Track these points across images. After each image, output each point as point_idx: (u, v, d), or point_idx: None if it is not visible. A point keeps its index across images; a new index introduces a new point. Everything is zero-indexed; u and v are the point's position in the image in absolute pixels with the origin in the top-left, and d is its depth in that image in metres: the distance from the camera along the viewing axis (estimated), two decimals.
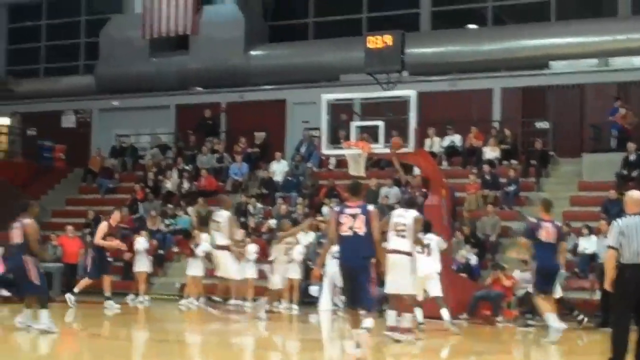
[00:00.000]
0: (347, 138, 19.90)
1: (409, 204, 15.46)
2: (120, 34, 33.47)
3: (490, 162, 25.64)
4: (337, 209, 12.36)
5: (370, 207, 12.13)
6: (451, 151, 26.98)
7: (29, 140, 34.33)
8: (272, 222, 25.44)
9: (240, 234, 18.94)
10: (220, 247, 18.85)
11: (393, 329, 14.59)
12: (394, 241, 14.64)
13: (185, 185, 28.80)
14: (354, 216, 11.89)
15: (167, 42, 33.17)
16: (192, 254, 22.92)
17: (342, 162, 24.51)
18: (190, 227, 26.19)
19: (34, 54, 36.96)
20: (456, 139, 27.13)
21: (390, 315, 14.71)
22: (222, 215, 18.85)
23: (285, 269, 19.62)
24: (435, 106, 27.32)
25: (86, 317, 20.52)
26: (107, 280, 20.98)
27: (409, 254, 14.62)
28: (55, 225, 27.67)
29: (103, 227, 20.73)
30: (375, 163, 25.84)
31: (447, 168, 26.03)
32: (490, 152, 26.16)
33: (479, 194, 24.73)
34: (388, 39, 20.11)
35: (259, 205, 26.72)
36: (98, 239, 20.73)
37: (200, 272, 22.79)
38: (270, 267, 19.55)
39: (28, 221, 14.73)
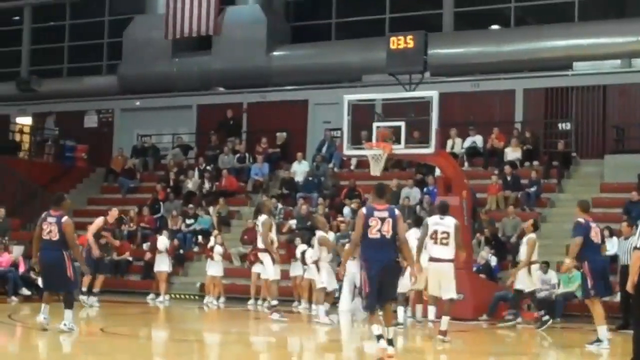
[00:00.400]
0: (369, 139, 19.90)
1: (443, 210, 15.49)
2: (143, 35, 33.54)
3: (512, 163, 25.55)
4: (365, 211, 12.29)
5: (397, 211, 12.32)
6: (472, 152, 26.90)
7: (52, 140, 34.44)
8: (293, 223, 25.45)
9: (273, 237, 18.78)
10: (259, 249, 18.85)
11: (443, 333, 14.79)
12: (436, 249, 14.92)
13: (207, 185, 28.83)
14: (382, 220, 12.02)
15: (189, 43, 33.22)
16: (210, 254, 23.00)
17: (363, 163, 24.52)
18: (210, 227, 26.27)
19: (57, 54, 37.06)
20: (478, 139, 27.04)
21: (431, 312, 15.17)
22: (260, 219, 18.83)
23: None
24: (457, 107, 27.29)
25: (106, 316, 20.58)
26: (99, 279, 21.23)
27: (452, 260, 14.98)
28: (77, 225, 27.50)
29: (99, 221, 20.77)
30: (397, 163, 25.82)
31: (468, 169, 25.96)
32: (512, 153, 26.07)
33: (500, 195, 24.65)
34: (410, 39, 20.11)
35: (280, 205, 26.72)
36: (90, 234, 20.79)
37: (220, 272, 22.85)
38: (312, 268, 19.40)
39: (66, 219, 14.77)
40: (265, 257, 18.67)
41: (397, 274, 12.47)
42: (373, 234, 12.02)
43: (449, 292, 14.91)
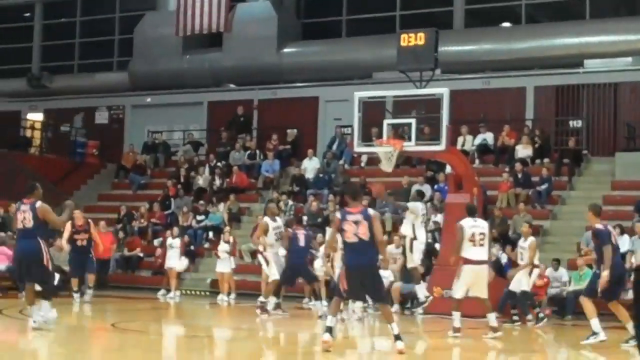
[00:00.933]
0: (379, 135, 19.91)
1: (473, 212, 15.66)
2: (154, 31, 33.59)
3: (523, 161, 25.53)
4: (338, 215, 12.41)
5: (371, 212, 12.42)
6: (483, 149, 26.88)
7: (63, 136, 34.54)
8: (303, 219, 25.44)
9: (268, 240, 18.82)
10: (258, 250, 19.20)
11: (458, 330, 14.99)
12: (474, 251, 15.02)
13: (217, 181, 28.87)
14: (357, 223, 12.11)
15: (200, 40, 33.27)
16: (216, 253, 23.10)
17: (373, 160, 24.52)
18: (221, 223, 26.32)
19: (69, 50, 37.12)
20: (488, 137, 27.03)
21: (456, 317, 15.09)
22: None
23: None
24: (468, 104, 27.28)
25: (118, 311, 20.65)
26: (90, 278, 21.38)
27: (487, 261, 15.40)
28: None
29: (68, 227, 20.44)
30: (407, 160, 25.80)
31: (479, 166, 25.95)
32: (523, 151, 26.05)
33: (511, 193, 24.63)
34: (421, 36, 20.12)
35: (290, 202, 26.73)
36: (64, 242, 20.94)
37: (227, 269, 22.89)
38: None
39: (40, 204, 14.10)
40: (261, 257, 18.91)
41: (377, 276, 12.44)
42: (349, 238, 12.15)
43: (483, 292, 15.14)
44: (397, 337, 12.14)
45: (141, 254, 26.48)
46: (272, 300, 18.76)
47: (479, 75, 28.70)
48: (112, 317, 19.76)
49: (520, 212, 23.52)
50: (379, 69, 28.34)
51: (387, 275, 20.56)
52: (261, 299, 18.62)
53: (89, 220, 21.17)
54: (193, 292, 24.92)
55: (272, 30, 31.92)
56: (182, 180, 29.47)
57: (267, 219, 18.82)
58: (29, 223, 14.05)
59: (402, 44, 20.27)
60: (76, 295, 20.61)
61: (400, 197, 25.26)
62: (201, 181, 29.21)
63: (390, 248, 21.08)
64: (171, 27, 32.52)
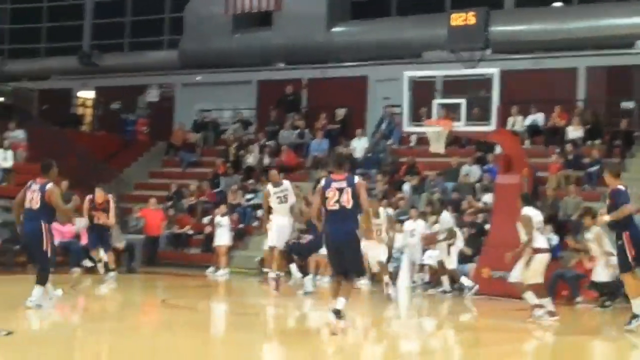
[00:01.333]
0: (429, 115, 19.87)
1: (529, 200, 15.58)
2: (205, 10, 33.68)
3: (574, 142, 25.33)
4: (323, 183, 12.11)
5: (357, 179, 12.12)
6: (534, 130, 26.69)
7: (113, 114, 34.81)
8: None
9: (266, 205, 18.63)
10: None
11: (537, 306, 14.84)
12: (541, 239, 14.95)
13: (266, 160, 28.95)
14: (340, 190, 11.86)
15: (250, 18, 33.29)
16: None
17: (422, 140, 24.46)
18: None
19: (119, 28, 37.34)
20: (539, 118, 26.83)
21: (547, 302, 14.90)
22: None
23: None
24: (519, 84, 27.03)
25: (167, 288, 20.84)
26: (109, 257, 20.01)
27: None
28: (138, 198, 28.08)
29: (86, 204, 19.79)
30: (456, 141, 25.70)
31: (529, 147, 25.75)
32: (574, 132, 25.84)
33: (561, 174, 24.45)
34: (472, 16, 20.10)
35: None
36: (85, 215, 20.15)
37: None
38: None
39: (50, 186, 13.73)
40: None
41: (357, 245, 12.07)
42: (331, 205, 11.90)
43: (541, 277, 15.01)
44: (338, 313, 11.82)
45: (190, 232, 26.66)
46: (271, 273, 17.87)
47: (530, 55, 28.47)
48: (162, 293, 19.98)
49: (570, 194, 23.36)
50: (428, 49, 28.20)
51: (434, 255, 20.58)
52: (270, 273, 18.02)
53: (109, 199, 20.12)
54: (242, 270, 25.05)
55: (322, 9, 31.88)
56: (231, 158, 29.61)
57: (269, 185, 18.31)
58: (36, 204, 13.67)
59: (453, 23, 20.26)
60: (99, 265, 19.91)
61: (447, 177, 25.24)
62: (250, 160, 29.32)
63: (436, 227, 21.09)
64: (221, 6, 32.58)
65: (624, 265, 13.76)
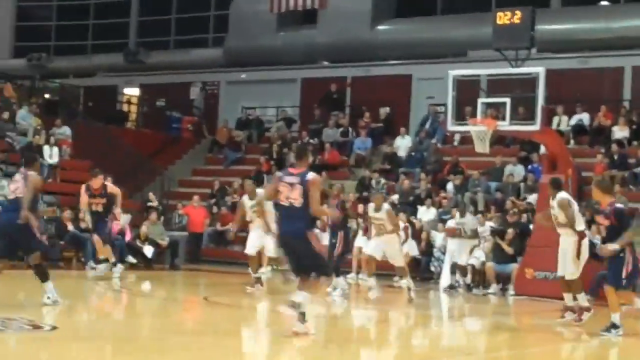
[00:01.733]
0: (473, 114, 19.79)
1: (560, 184, 15.24)
2: (249, 8, 33.80)
3: (619, 142, 25.10)
4: (278, 174, 11.40)
5: (311, 176, 11.12)
6: (579, 130, 26.49)
7: (158, 111, 35.00)
8: (395, 198, 25.43)
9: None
10: None
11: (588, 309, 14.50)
12: (583, 222, 14.73)
13: (310, 158, 28.89)
14: (291, 185, 10.99)
15: (294, 16, 33.36)
16: None
17: (466, 139, 24.35)
18: None
19: (165, 26, 37.56)
20: (584, 117, 26.62)
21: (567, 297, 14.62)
22: None
23: None
24: (564, 84, 26.87)
25: (210, 285, 20.91)
26: (97, 242, 19.08)
27: None
28: (182, 195, 28.22)
29: (83, 192, 18.92)
30: (500, 140, 25.57)
31: (574, 147, 25.56)
32: (620, 132, 25.61)
33: (606, 174, 24.24)
34: (517, 15, 19.92)
35: (383, 180, 26.70)
36: (83, 206, 19.35)
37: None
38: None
39: (33, 174, 13.20)
40: None
41: (307, 246, 10.95)
42: (282, 200, 11.01)
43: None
44: (293, 305, 11.00)
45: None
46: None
47: (576, 54, 28.28)
48: (204, 290, 20.04)
49: (615, 195, 23.14)
50: (473, 47, 28.10)
51: (478, 256, 20.50)
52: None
53: (107, 184, 19.14)
54: (283, 268, 25.03)
55: (367, 7, 31.88)
56: (275, 156, 29.65)
57: (244, 197, 18.27)
58: (20, 192, 13.14)
59: (498, 22, 20.10)
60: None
61: (491, 176, 25.12)
62: (294, 157, 29.27)
63: (483, 229, 21.01)
64: (266, 4, 32.67)
65: (617, 281, 12.90)
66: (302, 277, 11.24)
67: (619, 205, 13.19)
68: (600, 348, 12.98)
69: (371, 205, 17.15)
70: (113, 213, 19.18)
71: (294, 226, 10.93)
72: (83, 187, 19.03)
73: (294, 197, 10.91)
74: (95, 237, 18.90)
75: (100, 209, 18.71)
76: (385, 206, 16.97)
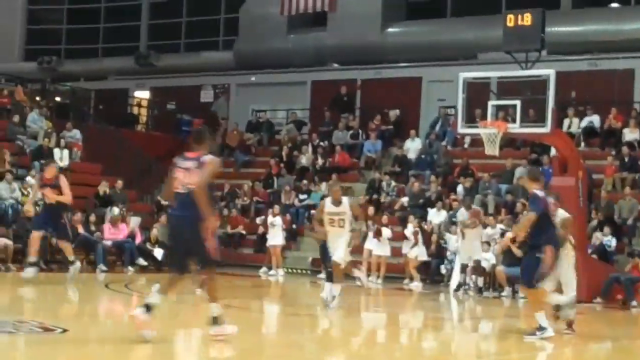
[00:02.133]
0: (483, 117, 19.77)
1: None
2: (259, 11, 33.83)
3: (630, 144, 25.07)
4: (175, 160, 10.49)
5: (208, 157, 10.31)
6: (589, 132, 26.45)
7: (168, 114, 35.04)
8: (405, 200, 25.44)
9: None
10: None
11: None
12: None
13: (320, 161, 28.98)
14: (187, 170, 10.20)
15: (304, 19, 33.36)
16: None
17: (476, 141, 24.35)
18: None
19: (175, 29, 37.60)
20: (595, 119, 26.58)
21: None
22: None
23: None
24: (575, 86, 26.84)
25: (219, 288, 20.84)
26: (65, 247, 18.20)
27: None
28: None
29: (35, 182, 18.34)
30: (510, 142, 25.56)
31: (584, 149, 25.55)
32: (630, 134, 25.58)
33: (617, 177, 24.22)
34: (527, 17, 19.92)
35: (393, 183, 26.70)
36: (32, 197, 18.94)
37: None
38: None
39: None
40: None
41: (198, 236, 10.26)
42: (177, 188, 10.25)
43: None
44: (215, 320, 10.70)
45: (243, 232, 26.75)
46: None
47: (586, 56, 28.23)
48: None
49: (625, 197, 23.12)
50: (483, 50, 28.06)
51: (488, 258, 20.48)
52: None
53: (60, 175, 18.04)
54: (294, 271, 25.08)
55: (377, 9, 31.87)
56: (285, 159, 29.67)
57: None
58: None
59: (508, 24, 20.10)
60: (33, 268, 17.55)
61: (502, 179, 25.09)
62: (304, 160, 29.36)
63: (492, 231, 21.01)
64: (276, 6, 32.68)
65: (530, 281, 12.34)
66: (182, 268, 10.65)
67: (537, 191, 12.34)
68: (612, 351, 12.95)
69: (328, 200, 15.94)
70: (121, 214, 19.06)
71: (190, 212, 10.14)
72: (37, 176, 18.46)
73: (192, 181, 10.12)
74: (36, 234, 17.59)
75: (52, 201, 17.35)
76: (346, 199, 15.92)
